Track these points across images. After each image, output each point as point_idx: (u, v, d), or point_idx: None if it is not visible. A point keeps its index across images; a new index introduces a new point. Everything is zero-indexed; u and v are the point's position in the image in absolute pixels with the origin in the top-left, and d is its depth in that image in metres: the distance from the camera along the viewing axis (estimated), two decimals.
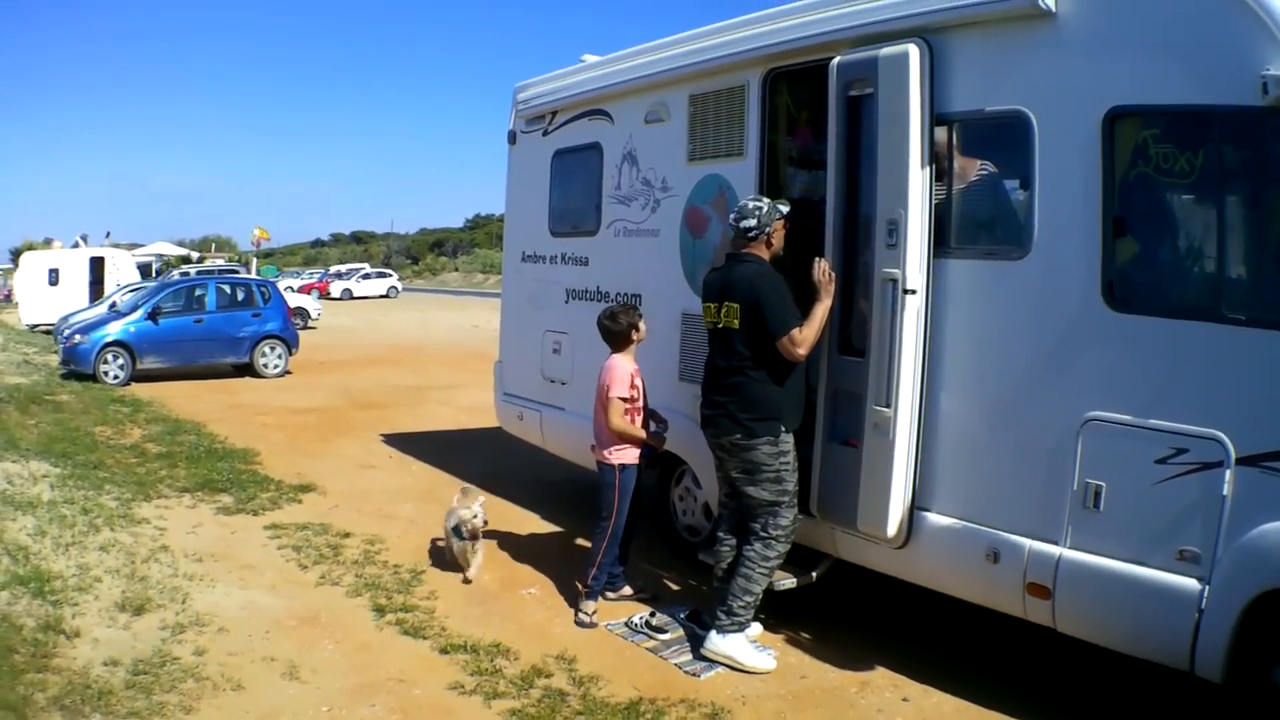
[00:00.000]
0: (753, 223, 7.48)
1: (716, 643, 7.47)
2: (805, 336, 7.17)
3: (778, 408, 7.36)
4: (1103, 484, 6.04)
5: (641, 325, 8.49)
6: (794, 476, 7.44)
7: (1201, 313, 5.77)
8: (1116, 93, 6.03)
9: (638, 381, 8.44)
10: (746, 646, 7.48)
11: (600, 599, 8.55)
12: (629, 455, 8.49)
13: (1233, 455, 5.49)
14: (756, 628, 7.90)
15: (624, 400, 8.33)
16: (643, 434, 8.48)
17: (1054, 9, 6.30)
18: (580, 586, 8.54)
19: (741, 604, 7.44)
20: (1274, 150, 5.56)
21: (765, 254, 7.52)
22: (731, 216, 7.72)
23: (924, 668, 7.35)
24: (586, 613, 8.31)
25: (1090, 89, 6.15)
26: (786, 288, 7.38)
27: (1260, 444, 5.44)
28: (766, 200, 7.60)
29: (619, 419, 8.34)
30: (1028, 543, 6.43)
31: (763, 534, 7.46)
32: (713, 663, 7.43)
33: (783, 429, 7.36)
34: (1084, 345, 6.24)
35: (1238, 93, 5.46)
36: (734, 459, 7.55)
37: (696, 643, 7.70)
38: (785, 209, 7.59)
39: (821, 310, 7.27)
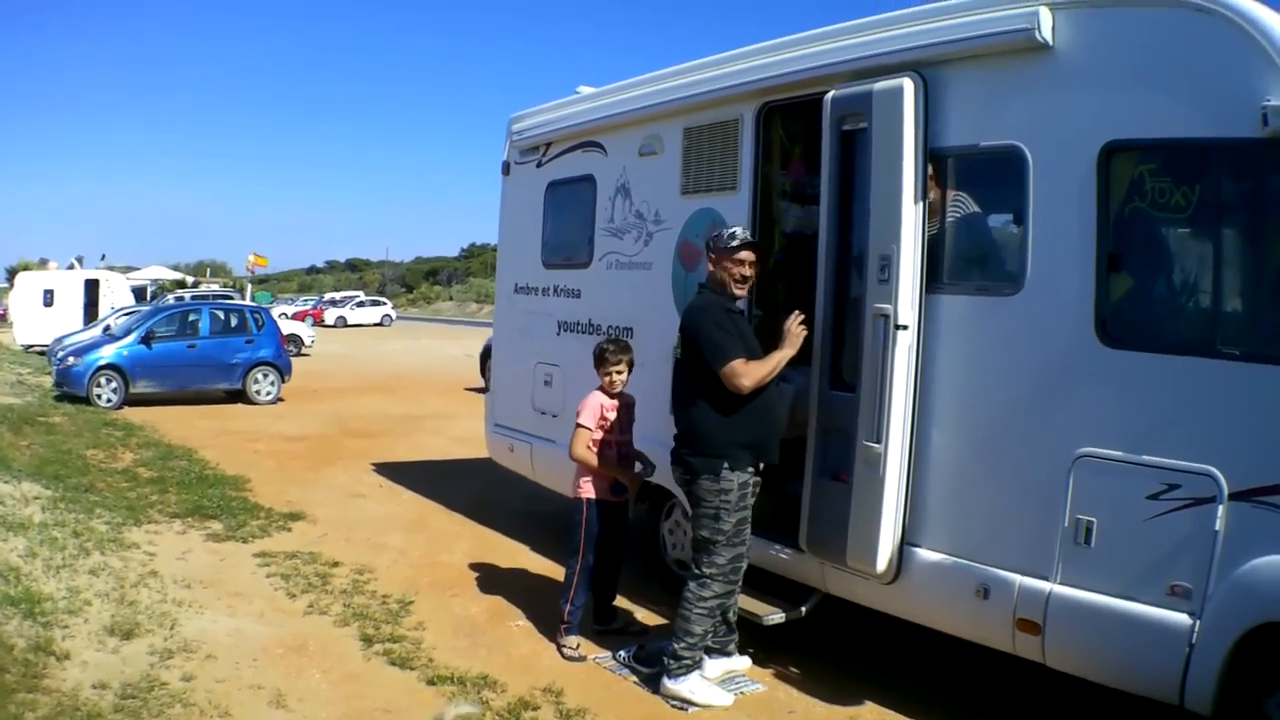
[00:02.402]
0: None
1: (667, 687, 7.41)
2: (750, 370, 7.11)
3: (720, 444, 7.24)
4: (1094, 520, 6.03)
5: (615, 374, 8.42)
6: (736, 516, 7.30)
7: (1196, 348, 5.78)
8: (1113, 127, 6.05)
9: (610, 415, 8.40)
10: (699, 684, 7.40)
11: (587, 632, 8.52)
12: (593, 489, 8.47)
13: (1225, 490, 5.48)
14: (745, 661, 7.90)
15: (588, 430, 8.32)
16: (606, 466, 8.43)
17: (1051, 43, 6.31)
18: (560, 622, 8.48)
19: (684, 645, 7.37)
20: (1273, 182, 5.58)
21: (719, 284, 7.47)
22: None
23: (913, 703, 7.33)
24: (570, 647, 8.27)
25: (1086, 123, 6.17)
26: (728, 319, 7.32)
27: (1254, 479, 5.43)
28: (733, 229, 7.54)
29: (579, 447, 8.33)
30: (1018, 579, 6.40)
31: (696, 571, 7.40)
32: (687, 703, 7.34)
33: (725, 466, 7.22)
34: (1077, 381, 6.23)
35: (1237, 125, 5.48)
36: (684, 491, 7.59)
37: None
38: (725, 245, 7.41)
39: (779, 356, 7.25)
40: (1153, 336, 6.06)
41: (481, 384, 33.51)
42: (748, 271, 7.37)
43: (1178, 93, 5.81)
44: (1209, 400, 5.67)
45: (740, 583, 7.62)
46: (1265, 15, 5.53)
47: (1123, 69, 6.09)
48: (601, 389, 8.47)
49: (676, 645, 7.37)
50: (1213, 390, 5.65)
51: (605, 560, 8.59)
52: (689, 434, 7.41)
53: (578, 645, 8.29)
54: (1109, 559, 6.00)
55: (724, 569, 7.35)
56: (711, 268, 7.57)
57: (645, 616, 9.25)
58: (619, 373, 8.41)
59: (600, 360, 8.42)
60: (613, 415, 8.41)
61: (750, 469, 7.35)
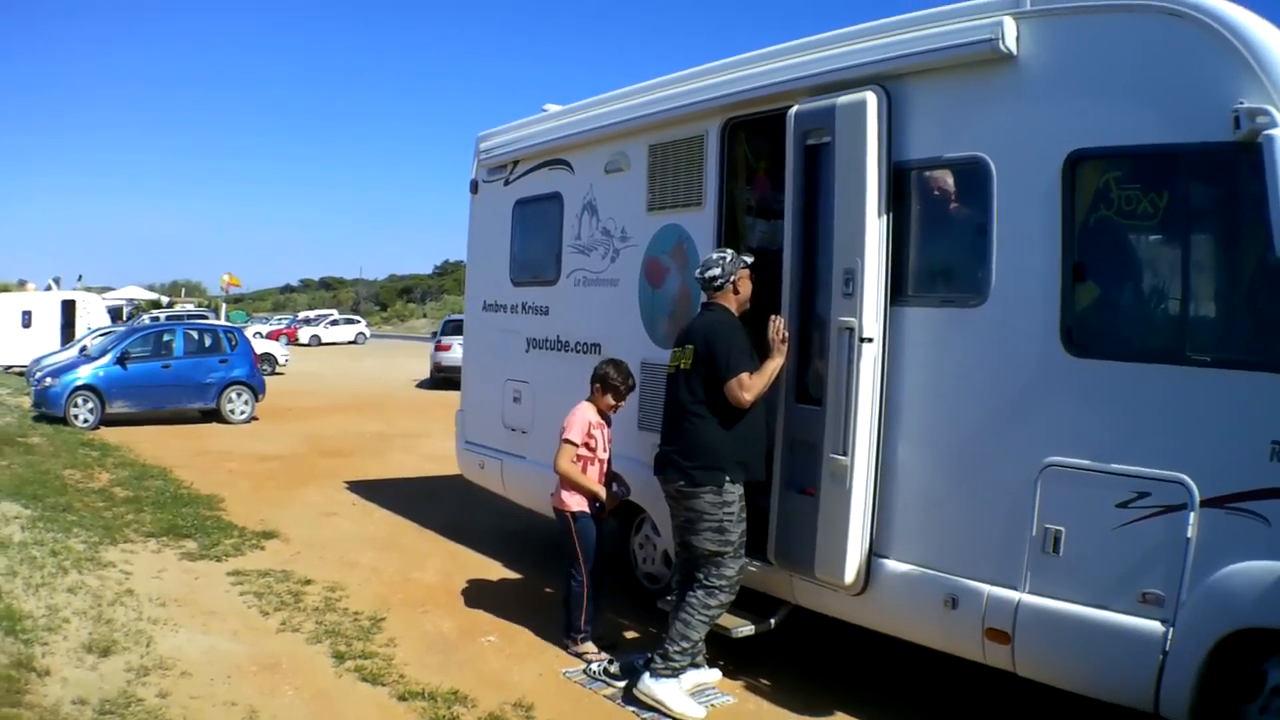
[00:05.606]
0: (716, 272, 7.56)
1: (648, 685, 7.42)
2: (753, 384, 7.22)
3: (723, 457, 7.33)
4: (1062, 529, 6.05)
5: (610, 398, 8.52)
6: (740, 527, 7.39)
7: (1164, 356, 5.78)
8: (1078, 136, 6.07)
9: (595, 433, 8.45)
10: (677, 693, 7.40)
11: (558, 646, 8.56)
12: (578, 502, 8.49)
13: (1197, 497, 5.50)
14: (715, 674, 7.90)
15: (574, 445, 8.35)
16: (589, 483, 8.47)
17: (1015, 53, 6.34)
18: (576, 633, 8.53)
19: (678, 649, 7.40)
20: (1246, 187, 5.46)
21: (732, 303, 7.60)
22: (697, 271, 7.80)
23: (883, 714, 7.34)
24: (592, 653, 8.39)
25: (1051, 133, 6.19)
26: (744, 338, 7.42)
27: (1225, 486, 5.45)
28: (730, 251, 7.70)
29: (564, 461, 8.37)
30: (986, 588, 6.42)
31: (706, 582, 7.42)
32: (658, 711, 7.33)
33: (727, 479, 7.32)
34: (1043, 391, 6.25)
35: (1207, 129, 5.49)
36: (679, 505, 7.56)
37: None
38: (749, 260, 7.66)
39: (772, 366, 7.33)
40: (1120, 345, 6.09)
41: (426, 375, 33.92)
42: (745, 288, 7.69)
43: (1146, 99, 5.82)
44: (1179, 407, 5.67)
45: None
46: (1239, 16, 5.55)
47: (1089, 77, 6.10)
48: (598, 409, 8.55)
49: (670, 647, 7.40)
50: (1183, 397, 5.66)
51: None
52: (691, 446, 7.43)
53: (600, 652, 8.39)
54: (1078, 567, 6.02)
55: (732, 580, 7.43)
56: None
57: (616, 631, 9.24)
58: (622, 400, 8.61)
59: (618, 391, 8.53)
60: (598, 434, 8.46)
61: (742, 482, 7.43)
